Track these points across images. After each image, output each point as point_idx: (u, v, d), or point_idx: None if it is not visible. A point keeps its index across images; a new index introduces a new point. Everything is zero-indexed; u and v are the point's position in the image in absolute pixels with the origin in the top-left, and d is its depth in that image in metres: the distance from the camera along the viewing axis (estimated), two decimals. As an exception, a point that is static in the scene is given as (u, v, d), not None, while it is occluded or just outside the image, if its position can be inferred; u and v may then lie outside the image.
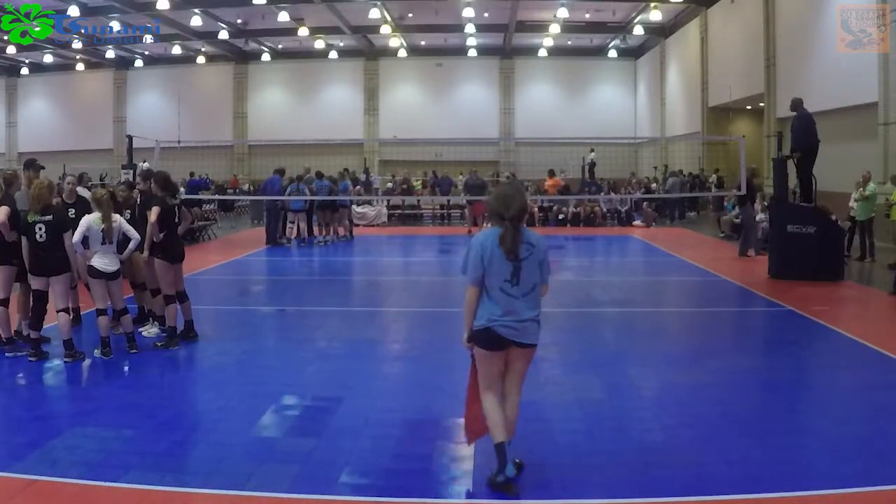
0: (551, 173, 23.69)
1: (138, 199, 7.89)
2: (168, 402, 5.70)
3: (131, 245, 6.90)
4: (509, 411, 4.06)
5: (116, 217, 6.81)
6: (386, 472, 4.29)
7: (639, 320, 9.05)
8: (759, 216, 15.01)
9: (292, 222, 17.57)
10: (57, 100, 37.00)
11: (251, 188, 29.35)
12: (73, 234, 6.67)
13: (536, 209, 20.83)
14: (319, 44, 32.72)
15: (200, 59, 34.98)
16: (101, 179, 24.60)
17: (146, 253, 7.23)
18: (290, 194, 16.88)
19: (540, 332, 4.05)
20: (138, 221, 7.36)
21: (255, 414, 5.26)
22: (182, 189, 22.74)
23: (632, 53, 34.16)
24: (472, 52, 33.90)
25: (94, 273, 6.69)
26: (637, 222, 22.22)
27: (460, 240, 18.59)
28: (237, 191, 29.75)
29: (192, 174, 26.14)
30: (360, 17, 28.21)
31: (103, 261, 6.68)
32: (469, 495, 4.01)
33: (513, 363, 4.05)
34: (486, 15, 28.84)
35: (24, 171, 7.84)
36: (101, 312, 6.77)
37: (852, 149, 16.02)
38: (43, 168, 8.16)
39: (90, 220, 6.65)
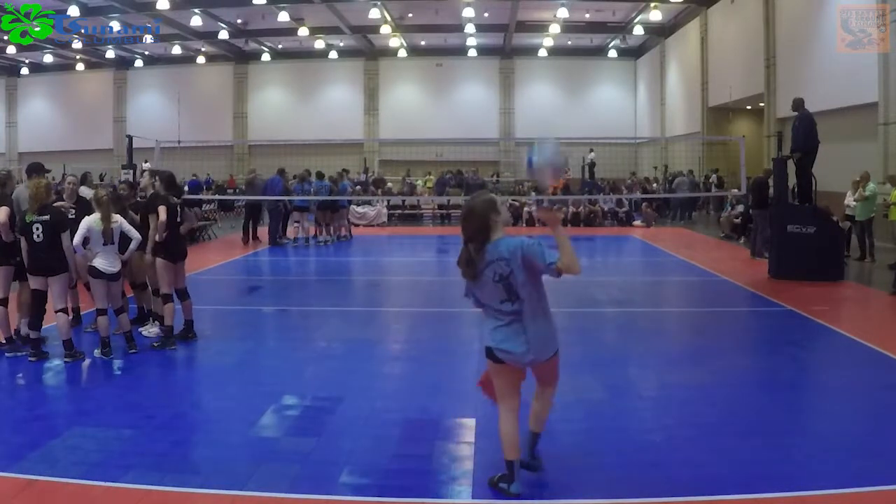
0: None
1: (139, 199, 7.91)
2: (168, 402, 5.70)
3: (132, 245, 6.90)
4: (542, 410, 4.12)
5: (117, 217, 6.80)
6: (386, 472, 4.28)
7: (639, 320, 9.06)
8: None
9: (297, 222, 17.61)
10: (57, 100, 36.99)
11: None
12: (70, 234, 6.67)
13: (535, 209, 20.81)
14: (319, 44, 32.72)
15: (200, 59, 34.98)
16: (100, 179, 24.62)
17: (149, 255, 7.24)
18: (296, 194, 16.98)
19: (553, 341, 3.92)
20: (138, 221, 7.38)
21: (255, 414, 5.25)
22: (185, 189, 22.92)
23: (632, 53, 34.16)
24: (472, 52, 33.89)
25: (96, 273, 6.69)
26: (637, 222, 22.23)
27: (460, 240, 18.58)
28: (236, 191, 29.78)
29: (194, 175, 26.20)
30: (360, 17, 28.21)
31: (104, 261, 6.69)
32: (469, 495, 4.00)
33: (536, 373, 4.01)
34: (486, 15, 28.84)
35: (27, 176, 7.83)
36: (101, 312, 6.77)
37: (852, 149, 16.02)
38: (49, 171, 8.15)
39: (90, 221, 6.65)
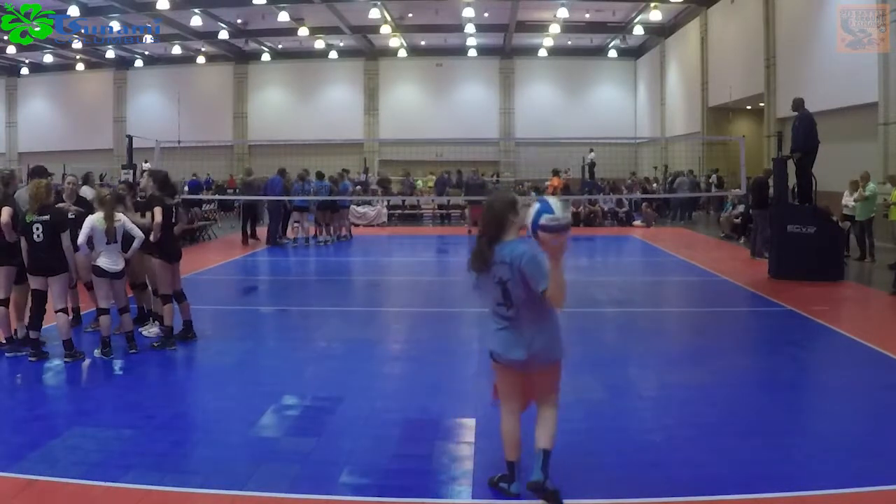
0: (555, 173, 23.73)
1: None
2: (168, 402, 5.70)
3: (135, 244, 6.91)
4: (544, 424, 3.88)
5: (119, 216, 6.82)
6: (386, 472, 4.29)
7: (639, 320, 9.06)
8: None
9: (297, 222, 17.59)
10: (57, 100, 36.98)
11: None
12: (70, 234, 6.68)
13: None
14: (319, 44, 32.71)
15: (200, 59, 34.97)
16: (100, 180, 24.67)
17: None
18: (295, 194, 16.98)
19: (555, 349, 3.82)
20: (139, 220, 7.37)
21: (255, 414, 5.25)
22: (186, 188, 22.98)
23: (632, 53, 34.16)
24: (472, 52, 33.88)
25: (100, 272, 6.71)
26: (637, 222, 22.23)
27: (460, 240, 18.61)
28: (236, 191, 29.80)
29: (194, 175, 26.23)
30: (360, 17, 28.21)
31: (108, 260, 6.71)
32: (469, 495, 4.00)
33: (534, 379, 3.90)
34: (486, 15, 28.84)
35: (29, 180, 7.83)
36: (103, 312, 6.78)
37: (852, 149, 16.02)
38: (52, 175, 8.14)
39: (94, 220, 6.67)
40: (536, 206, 3.57)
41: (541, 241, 3.55)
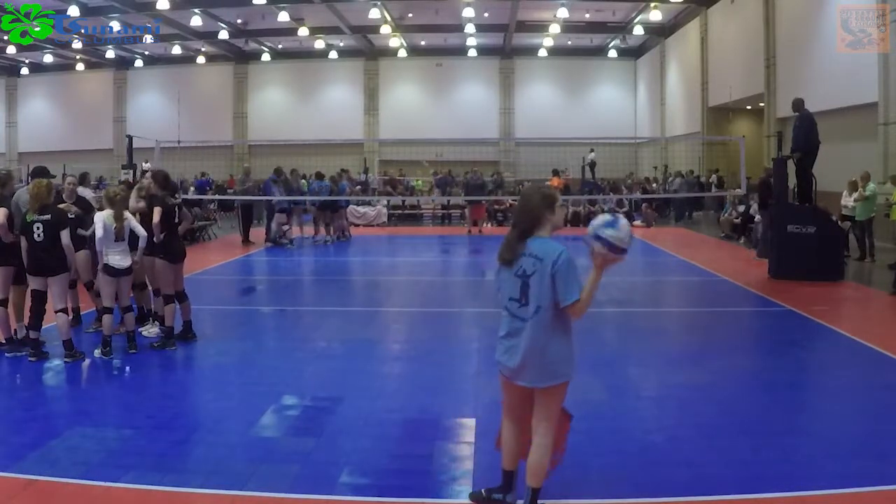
0: (555, 173, 23.74)
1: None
2: (168, 402, 5.69)
3: (141, 243, 6.92)
4: (531, 452, 3.61)
5: (127, 215, 6.87)
6: (386, 472, 4.28)
7: (639, 320, 9.06)
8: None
9: (283, 224, 17.47)
10: (57, 100, 36.97)
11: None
12: (70, 233, 6.69)
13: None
14: (319, 44, 32.71)
15: (200, 59, 34.97)
16: (100, 181, 24.65)
17: (139, 256, 7.23)
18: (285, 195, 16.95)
19: (560, 367, 3.56)
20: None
21: (255, 414, 5.26)
22: (192, 188, 22.98)
23: (632, 53, 34.16)
24: (472, 52, 33.89)
25: (110, 271, 6.74)
26: (637, 222, 22.22)
27: (460, 240, 18.63)
28: (235, 191, 29.79)
29: (203, 174, 26.23)
30: (360, 17, 28.21)
31: (118, 258, 6.75)
32: (469, 495, 3.99)
33: (536, 397, 3.64)
34: (486, 15, 28.85)
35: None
36: (107, 311, 6.79)
37: (852, 149, 16.02)
38: (54, 177, 8.13)
39: (104, 216, 6.70)
40: (608, 217, 3.53)
41: (593, 250, 3.49)
